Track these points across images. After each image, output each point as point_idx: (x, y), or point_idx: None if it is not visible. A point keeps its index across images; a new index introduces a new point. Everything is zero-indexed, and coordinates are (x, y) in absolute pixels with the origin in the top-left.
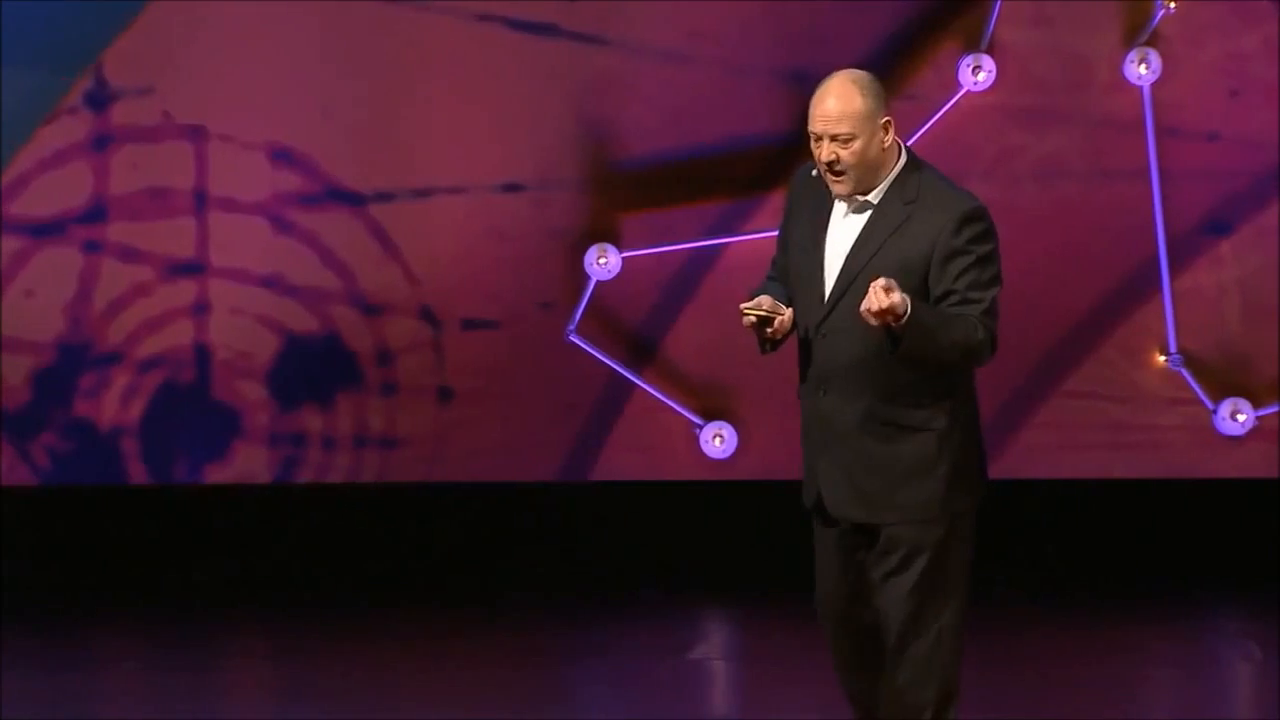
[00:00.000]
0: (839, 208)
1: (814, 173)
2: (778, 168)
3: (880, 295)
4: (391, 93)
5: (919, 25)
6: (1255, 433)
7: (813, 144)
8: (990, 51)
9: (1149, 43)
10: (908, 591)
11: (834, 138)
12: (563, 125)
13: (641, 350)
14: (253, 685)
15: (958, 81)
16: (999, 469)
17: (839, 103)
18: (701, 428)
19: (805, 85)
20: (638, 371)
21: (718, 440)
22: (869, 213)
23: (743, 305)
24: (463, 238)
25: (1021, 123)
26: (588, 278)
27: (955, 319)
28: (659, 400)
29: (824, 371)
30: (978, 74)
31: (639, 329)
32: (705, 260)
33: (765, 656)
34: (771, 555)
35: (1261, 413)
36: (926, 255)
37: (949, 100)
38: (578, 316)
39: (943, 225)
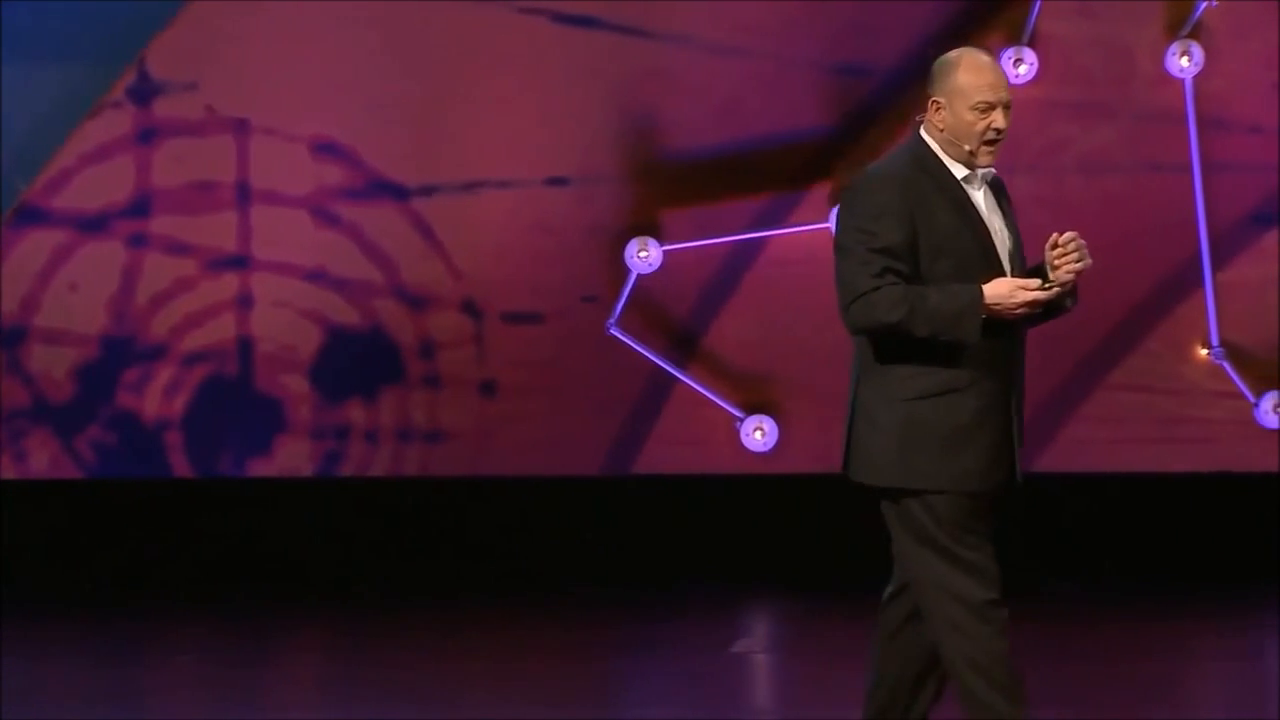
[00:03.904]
0: (972, 190)
1: (887, 171)
2: (821, 162)
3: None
4: (435, 86)
5: (962, 18)
6: None
7: (977, 115)
8: (1032, 45)
9: (1191, 35)
10: None
11: (1005, 105)
12: (606, 119)
13: (684, 344)
14: (303, 680)
15: None
16: (1046, 461)
17: (1000, 73)
18: (742, 421)
19: (849, 79)
20: (680, 365)
21: (759, 434)
22: (988, 192)
23: (1045, 284)
24: (505, 231)
25: (1065, 116)
26: (629, 271)
27: None
28: (701, 394)
29: (1013, 346)
30: (1019, 67)
31: (681, 322)
32: (747, 254)
33: (808, 650)
34: (813, 549)
35: None
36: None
37: None
38: (618, 310)
39: (1005, 188)
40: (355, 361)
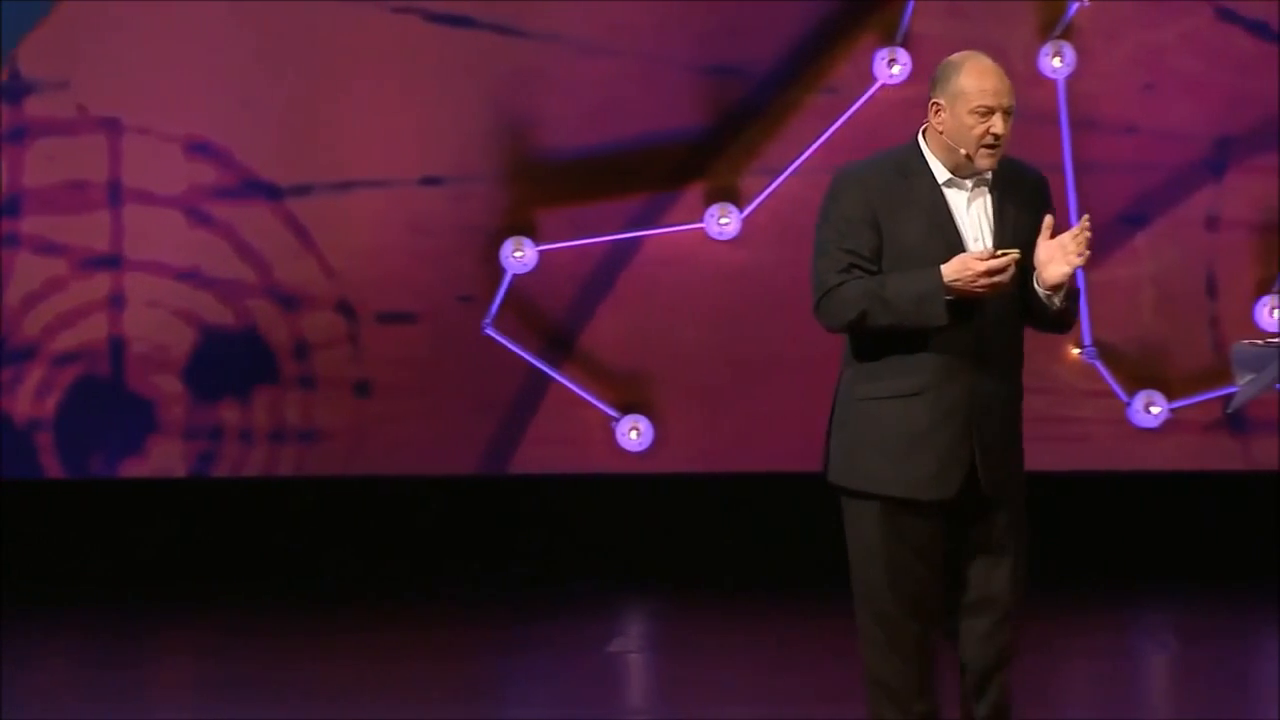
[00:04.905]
0: (953, 192)
1: (859, 172)
2: (695, 162)
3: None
4: (308, 86)
5: (836, 19)
6: (1172, 425)
7: (976, 119)
8: (905, 45)
9: (1063, 36)
10: (1015, 563)
11: (1006, 111)
12: (480, 119)
13: (559, 344)
14: (176, 681)
15: (873, 75)
16: None
17: (1003, 78)
18: (618, 421)
19: (723, 79)
20: (555, 365)
21: (634, 433)
22: (985, 189)
23: (998, 252)
24: (380, 231)
25: None
26: (504, 271)
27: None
28: (576, 394)
29: (980, 351)
30: (893, 67)
31: (557, 322)
32: (622, 254)
33: (682, 649)
34: (688, 548)
35: (1176, 405)
36: (1038, 222)
37: (865, 94)
38: (494, 310)
39: (1042, 191)
40: (229, 361)
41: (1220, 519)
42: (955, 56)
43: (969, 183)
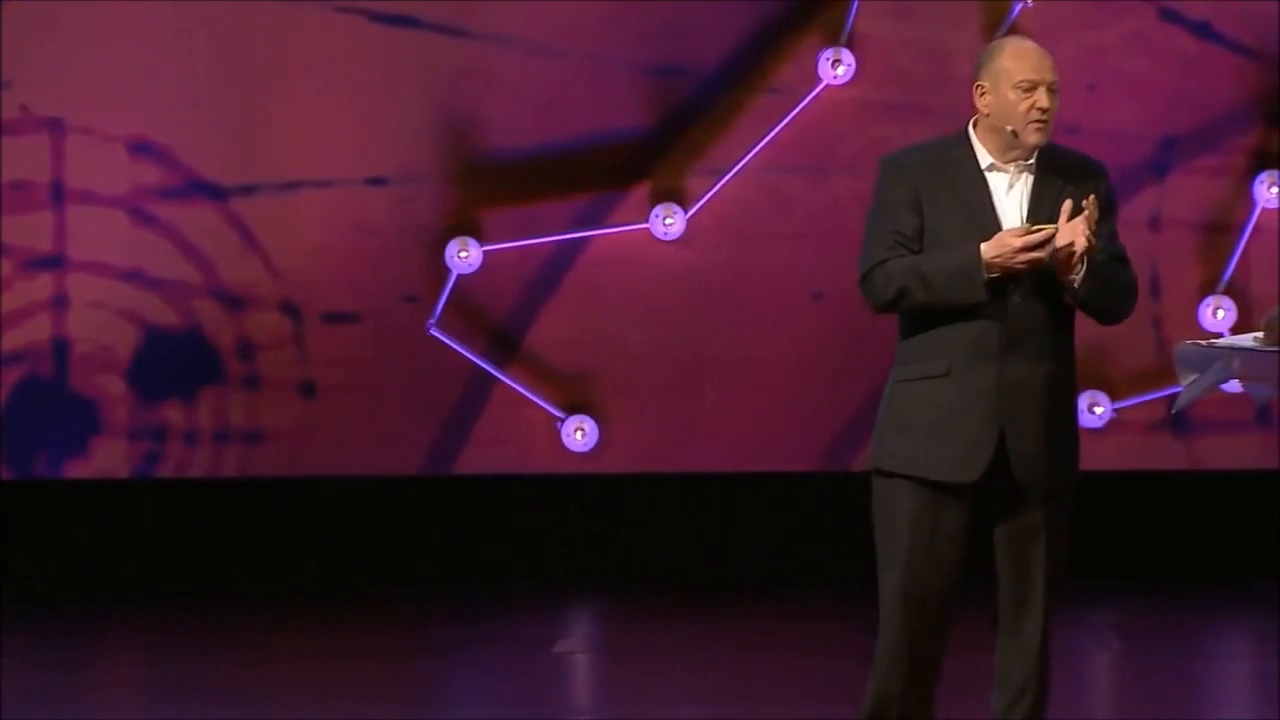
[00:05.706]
0: (996, 176)
1: (902, 158)
2: (640, 162)
3: (1087, 230)
4: (252, 86)
5: (780, 19)
6: (1115, 425)
7: (1020, 95)
8: (850, 45)
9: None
10: (1049, 558)
11: (1050, 87)
12: (425, 119)
13: (504, 344)
14: (126, 682)
15: (817, 75)
16: (861, 462)
17: (1045, 56)
18: (563, 421)
19: (667, 79)
20: (500, 365)
21: (579, 434)
22: (1027, 175)
23: (1033, 228)
24: (325, 231)
25: (883, 116)
26: (449, 271)
27: (1117, 265)
28: (521, 394)
29: (1010, 337)
30: (837, 68)
31: (502, 323)
32: (567, 254)
33: (628, 649)
34: (633, 548)
35: (1119, 405)
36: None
37: (809, 94)
38: (438, 310)
39: (1093, 179)
40: (173, 362)
41: (1163, 519)
42: (997, 40)
43: (1012, 167)
